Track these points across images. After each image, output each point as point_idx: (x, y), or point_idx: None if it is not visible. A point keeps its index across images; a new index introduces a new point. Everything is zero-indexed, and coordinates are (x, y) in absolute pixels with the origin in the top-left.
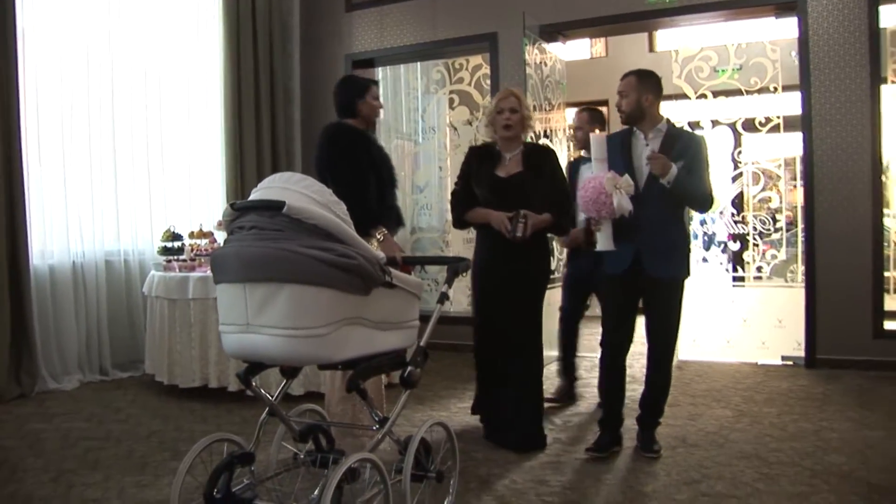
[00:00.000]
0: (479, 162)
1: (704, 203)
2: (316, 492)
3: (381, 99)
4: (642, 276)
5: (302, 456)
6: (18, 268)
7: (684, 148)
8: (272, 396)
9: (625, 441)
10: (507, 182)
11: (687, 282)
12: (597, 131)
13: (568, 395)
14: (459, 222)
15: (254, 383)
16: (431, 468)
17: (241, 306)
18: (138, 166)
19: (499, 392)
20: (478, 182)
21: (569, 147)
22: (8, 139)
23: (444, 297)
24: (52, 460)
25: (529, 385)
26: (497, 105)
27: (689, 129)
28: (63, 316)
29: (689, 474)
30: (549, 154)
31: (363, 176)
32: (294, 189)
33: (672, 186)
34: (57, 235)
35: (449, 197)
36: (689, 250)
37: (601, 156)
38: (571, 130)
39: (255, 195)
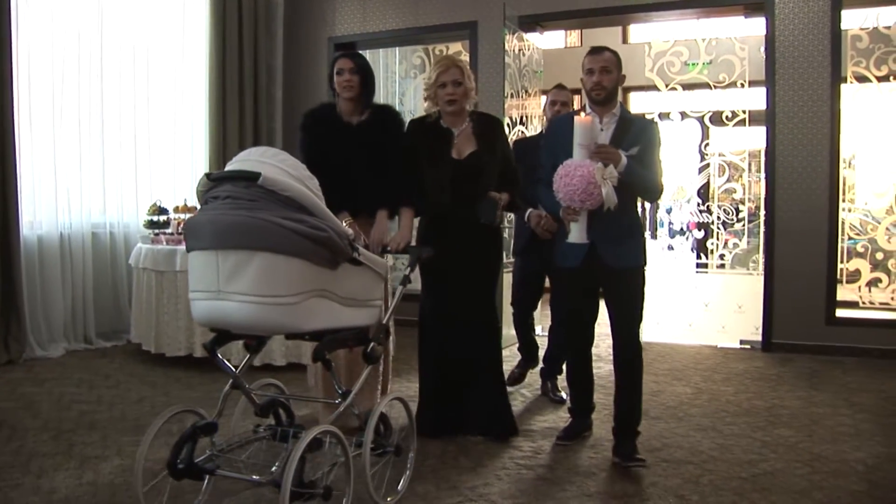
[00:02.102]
0: (426, 140)
1: (654, 193)
2: (277, 464)
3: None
4: (599, 267)
5: (262, 429)
6: (8, 238)
7: (638, 133)
8: (237, 368)
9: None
10: (464, 164)
11: (647, 270)
12: (582, 114)
13: (520, 377)
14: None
15: (219, 355)
16: (390, 442)
17: (213, 273)
18: (125, 141)
19: (455, 384)
20: (430, 164)
21: (542, 130)
22: (1, 112)
23: (406, 280)
24: (50, 421)
25: (495, 371)
26: (438, 78)
27: (643, 116)
28: (50, 285)
29: (651, 443)
30: (500, 126)
31: (309, 159)
32: (269, 162)
33: (622, 176)
34: (45, 207)
35: None
36: (643, 238)
37: (586, 142)
38: (550, 106)
39: (230, 167)
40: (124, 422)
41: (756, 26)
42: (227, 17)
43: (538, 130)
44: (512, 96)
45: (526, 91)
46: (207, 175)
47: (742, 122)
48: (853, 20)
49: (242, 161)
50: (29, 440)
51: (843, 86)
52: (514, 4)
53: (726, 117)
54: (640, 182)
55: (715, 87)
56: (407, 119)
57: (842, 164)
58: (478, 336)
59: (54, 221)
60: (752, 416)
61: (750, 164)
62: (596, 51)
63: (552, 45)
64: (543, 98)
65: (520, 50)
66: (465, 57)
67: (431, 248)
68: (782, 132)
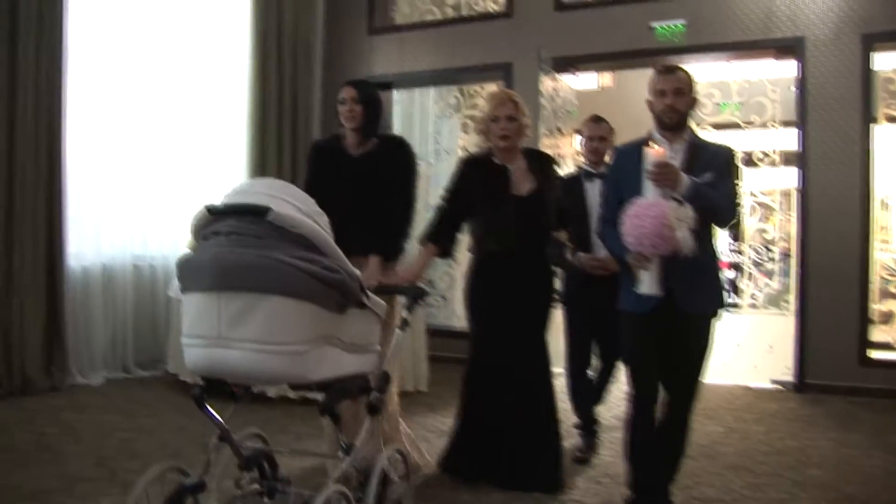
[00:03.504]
0: (483, 179)
1: (724, 214)
2: None
3: (393, 118)
4: (673, 313)
5: (245, 482)
6: (55, 268)
7: (711, 159)
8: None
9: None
10: (526, 201)
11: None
12: (654, 145)
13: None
14: (425, 240)
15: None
16: (390, 499)
17: (213, 317)
18: (167, 178)
19: (499, 431)
20: (489, 202)
21: (578, 168)
22: (51, 150)
23: (405, 324)
24: (91, 448)
25: (547, 421)
26: (492, 112)
27: (716, 142)
28: (92, 315)
29: (683, 481)
30: (553, 162)
31: (307, 190)
32: (278, 195)
33: (687, 201)
34: (90, 239)
35: None
36: (721, 278)
37: None
38: (588, 141)
39: (231, 200)
40: (164, 450)
41: (787, 68)
42: (267, 55)
43: (572, 170)
44: (546, 136)
45: (560, 131)
46: (207, 208)
47: (774, 163)
48: (884, 62)
49: (246, 193)
50: (72, 465)
51: (874, 127)
52: (549, 47)
53: (758, 158)
54: (707, 204)
55: (746, 127)
56: (441, 157)
57: (876, 205)
58: (528, 380)
59: (98, 253)
60: (783, 455)
61: (781, 203)
62: (668, 70)
63: (585, 86)
64: (577, 137)
65: (554, 90)
66: None
67: (427, 290)
68: (814, 173)
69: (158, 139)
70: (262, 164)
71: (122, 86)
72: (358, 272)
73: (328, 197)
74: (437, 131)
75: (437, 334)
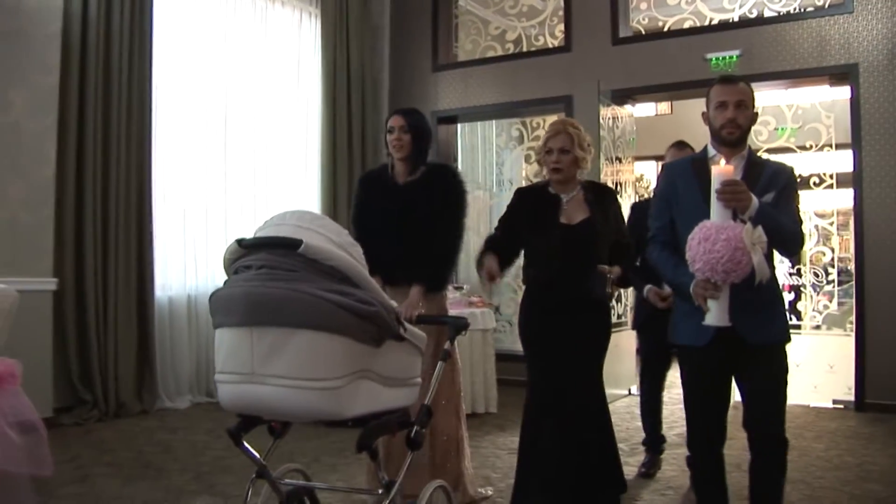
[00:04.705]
0: (534, 207)
1: (794, 243)
2: None
3: (459, 150)
4: (734, 343)
5: None
6: (145, 298)
7: (772, 178)
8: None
9: None
10: (575, 230)
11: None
12: (721, 163)
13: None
14: (482, 255)
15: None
16: None
17: (246, 353)
18: (246, 212)
19: (560, 462)
20: (538, 231)
21: (638, 197)
22: (141, 188)
23: (446, 355)
24: (189, 464)
25: (606, 447)
26: (546, 144)
27: (773, 160)
28: (178, 342)
29: (743, 493)
30: (613, 195)
31: (353, 219)
32: (309, 227)
33: (755, 223)
34: (175, 271)
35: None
36: (785, 306)
37: None
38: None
39: (263, 232)
40: (254, 466)
41: (841, 92)
42: (337, 94)
43: (632, 199)
44: (606, 165)
45: (619, 160)
46: (239, 241)
47: (830, 187)
48: None
49: (277, 226)
50: (175, 480)
51: None
52: (607, 79)
53: (814, 182)
54: (775, 226)
55: (801, 152)
56: (504, 187)
57: None
58: (583, 407)
59: (183, 284)
60: (842, 470)
61: (842, 224)
62: (729, 81)
63: (643, 113)
64: (637, 165)
65: (613, 121)
66: None
67: (467, 321)
68: (870, 195)
69: (237, 175)
70: (334, 196)
71: (203, 127)
72: (395, 304)
73: (374, 226)
74: (501, 162)
75: (504, 358)
